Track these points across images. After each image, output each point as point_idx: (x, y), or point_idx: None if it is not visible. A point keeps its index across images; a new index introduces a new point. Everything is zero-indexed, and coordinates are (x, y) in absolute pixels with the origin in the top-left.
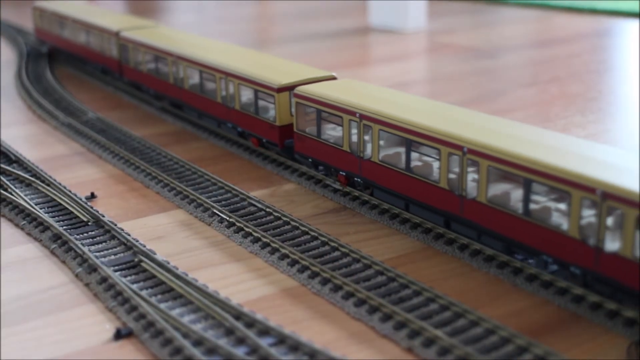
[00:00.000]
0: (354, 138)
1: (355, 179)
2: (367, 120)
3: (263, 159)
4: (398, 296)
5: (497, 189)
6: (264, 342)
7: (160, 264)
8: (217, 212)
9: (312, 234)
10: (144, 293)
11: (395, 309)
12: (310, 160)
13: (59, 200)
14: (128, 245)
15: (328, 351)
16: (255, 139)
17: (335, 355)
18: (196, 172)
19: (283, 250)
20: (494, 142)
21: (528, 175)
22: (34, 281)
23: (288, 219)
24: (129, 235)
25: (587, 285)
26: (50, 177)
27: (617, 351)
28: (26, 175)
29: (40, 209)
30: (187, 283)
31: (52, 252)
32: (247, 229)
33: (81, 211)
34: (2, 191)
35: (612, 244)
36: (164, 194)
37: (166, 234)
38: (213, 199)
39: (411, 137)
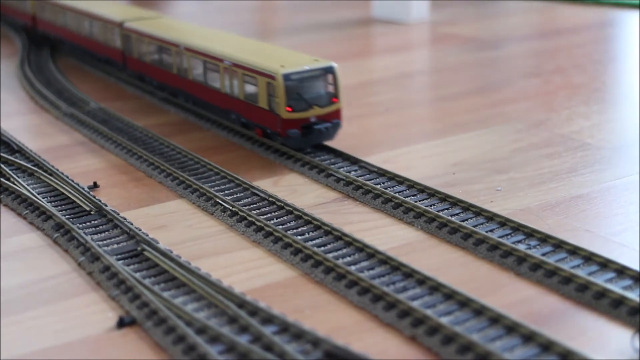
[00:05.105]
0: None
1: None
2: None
3: (266, 149)
4: (401, 285)
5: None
6: (267, 330)
7: (163, 253)
8: (220, 202)
9: (315, 223)
10: (146, 282)
11: (399, 298)
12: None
13: (61, 189)
14: (131, 234)
15: (331, 339)
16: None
17: (338, 343)
18: (199, 161)
19: (286, 240)
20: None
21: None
22: (37, 270)
23: (291, 209)
24: (132, 224)
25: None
26: (53, 166)
27: (621, 340)
28: (29, 165)
29: (43, 198)
30: (190, 272)
31: (55, 241)
32: (249, 218)
33: (84, 200)
34: (4, 180)
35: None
36: (166, 183)
37: (169, 223)
38: (216, 188)
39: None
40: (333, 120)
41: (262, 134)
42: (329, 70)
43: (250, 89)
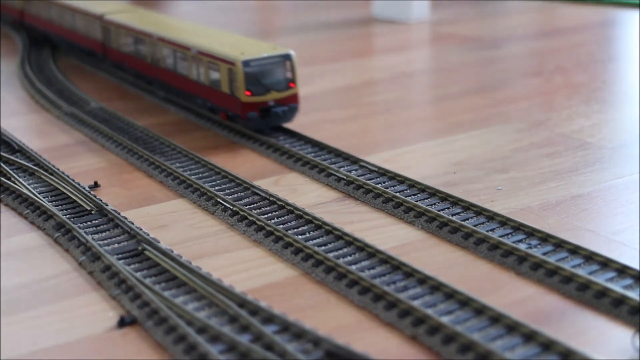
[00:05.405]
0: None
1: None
2: None
3: (267, 148)
4: (402, 284)
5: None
6: (268, 330)
7: (163, 252)
8: (221, 201)
9: (316, 222)
10: (147, 281)
11: (399, 297)
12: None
13: (62, 189)
14: (131, 234)
15: (332, 339)
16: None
17: (339, 343)
18: (199, 161)
19: (286, 239)
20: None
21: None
22: (37, 269)
23: (291, 208)
24: (133, 223)
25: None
26: (54, 166)
27: (621, 339)
28: (29, 165)
29: (44, 197)
30: (191, 271)
31: (56, 241)
32: (250, 218)
33: (84, 200)
34: (5, 180)
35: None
36: (167, 183)
37: (170, 222)
38: (216, 188)
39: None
40: (291, 104)
41: (226, 118)
42: (287, 57)
43: (214, 75)
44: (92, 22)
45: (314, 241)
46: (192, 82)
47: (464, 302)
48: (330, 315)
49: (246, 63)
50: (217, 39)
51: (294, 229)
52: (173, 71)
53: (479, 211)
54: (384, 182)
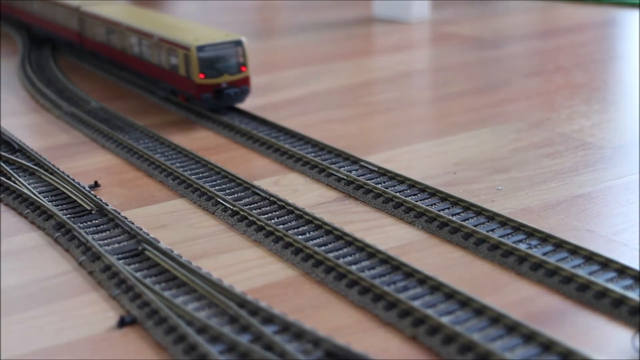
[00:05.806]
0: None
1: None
2: None
3: (267, 148)
4: (402, 284)
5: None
6: (268, 330)
7: (163, 252)
8: (221, 201)
9: (316, 222)
10: (147, 281)
11: (400, 297)
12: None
13: (62, 188)
14: (132, 234)
15: (332, 339)
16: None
17: (339, 343)
18: (199, 161)
19: (287, 239)
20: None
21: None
22: (37, 269)
23: (291, 208)
24: (133, 223)
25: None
26: (54, 166)
27: (621, 340)
28: (29, 164)
29: (44, 197)
30: (191, 271)
31: (56, 241)
32: (250, 218)
33: (85, 200)
34: (5, 180)
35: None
36: (167, 182)
37: (170, 222)
38: (216, 187)
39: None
40: (242, 86)
41: (185, 99)
42: (238, 43)
43: (173, 60)
44: (69, 14)
45: (314, 241)
46: (155, 66)
47: (464, 302)
48: (330, 315)
49: (200, 48)
50: (177, 27)
51: (294, 229)
52: (139, 57)
53: (479, 211)
54: (384, 182)
